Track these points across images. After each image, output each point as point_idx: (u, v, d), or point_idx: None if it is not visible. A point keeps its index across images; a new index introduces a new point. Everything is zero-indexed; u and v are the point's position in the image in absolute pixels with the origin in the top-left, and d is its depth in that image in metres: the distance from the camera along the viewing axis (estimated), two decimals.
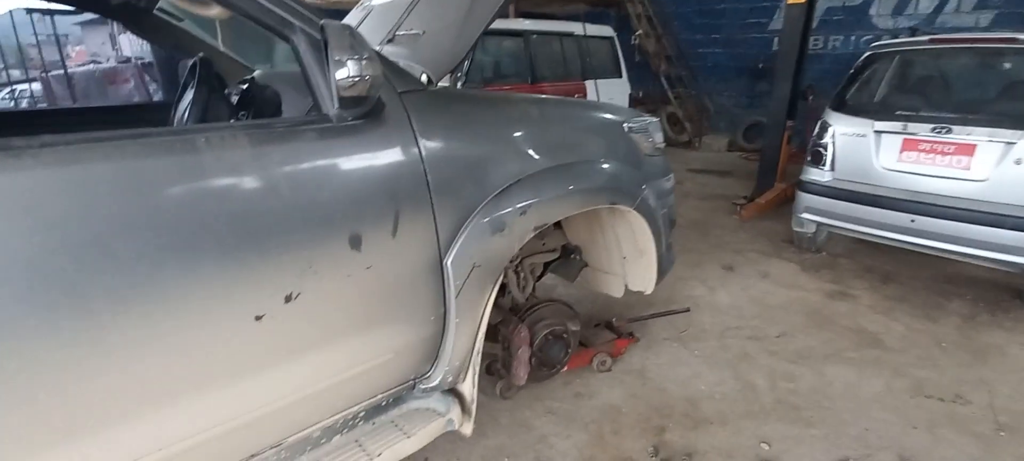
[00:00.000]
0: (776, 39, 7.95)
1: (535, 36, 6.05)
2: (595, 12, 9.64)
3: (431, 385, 1.60)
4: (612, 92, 6.84)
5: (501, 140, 1.62)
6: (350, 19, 2.44)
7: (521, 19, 6.44)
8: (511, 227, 1.58)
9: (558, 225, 2.41)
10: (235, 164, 1.14)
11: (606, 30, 7.09)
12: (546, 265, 2.59)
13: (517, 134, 1.67)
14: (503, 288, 2.16)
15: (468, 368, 1.63)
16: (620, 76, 7.13)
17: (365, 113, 1.33)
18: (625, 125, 2.06)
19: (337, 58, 1.12)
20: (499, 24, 5.81)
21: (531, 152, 1.67)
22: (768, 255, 4.18)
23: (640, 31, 8.98)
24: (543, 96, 2.17)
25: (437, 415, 1.59)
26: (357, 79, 1.14)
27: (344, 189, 1.30)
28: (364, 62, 1.14)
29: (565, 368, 2.53)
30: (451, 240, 1.49)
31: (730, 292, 3.53)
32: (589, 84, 6.44)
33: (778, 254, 4.20)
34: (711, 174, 7.11)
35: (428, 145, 1.43)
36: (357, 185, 1.32)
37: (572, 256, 2.56)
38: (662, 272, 2.29)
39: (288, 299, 1.23)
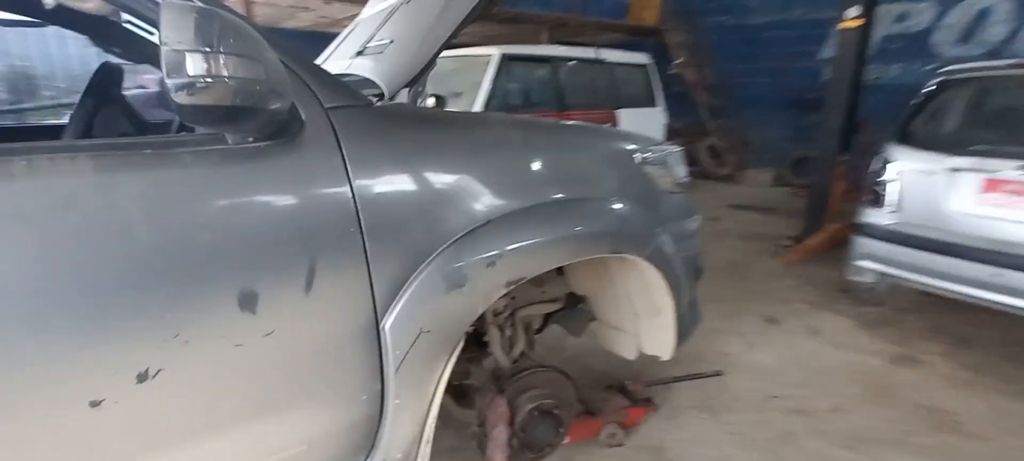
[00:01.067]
0: (826, 68, 7.41)
1: (564, 63, 5.77)
2: (633, 41, 9.34)
3: None
4: (646, 122, 6.46)
5: (466, 171, 1.29)
6: (341, 37, 2.20)
7: (552, 46, 6.18)
8: (474, 282, 1.23)
9: (561, 270, 2.05)
10: (65, 196, 0.85)
11: (641, 57, 6.75)
12: (547, 317, 2.21)
13: (489, 164, 1.34)
14: (483, 345, 1.79)
15: (411, 455, 1.27)
16: (654, 105, 6.74)
17: (271, 133, 1.02)
18: (638, 155, 1.70)
19: (172, 49, 0.81)
20: (528, 50, 5.57)
21: (507, 187, 1.34)
22: (818, 307, 3.65)
23: (680, 60, 8.60)
24: (529, 117, 1.81)
25: None
26: (203, 81, 0.83)
27: (233, 232, 0.98)
28: (218, 58, 0.83)
29: (566, 441, 2.12)
30: (392, 298, 1.16)
31: (772, 350, 3.03)
32: (621, 113, 6.08)
33: (830, 306, 3.66)
34: (753, 210, 6.57)
35: (363, 175, 1.11)
36: (253, 227, 1.00)
37: (579, 306, 2.18)
38: (683, 334, 1.87)
39: (142, 378, 0.91)
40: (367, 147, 1.14)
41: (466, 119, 1.45)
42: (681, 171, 1.88)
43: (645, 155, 1.71)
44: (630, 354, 2.04)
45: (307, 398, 1.11)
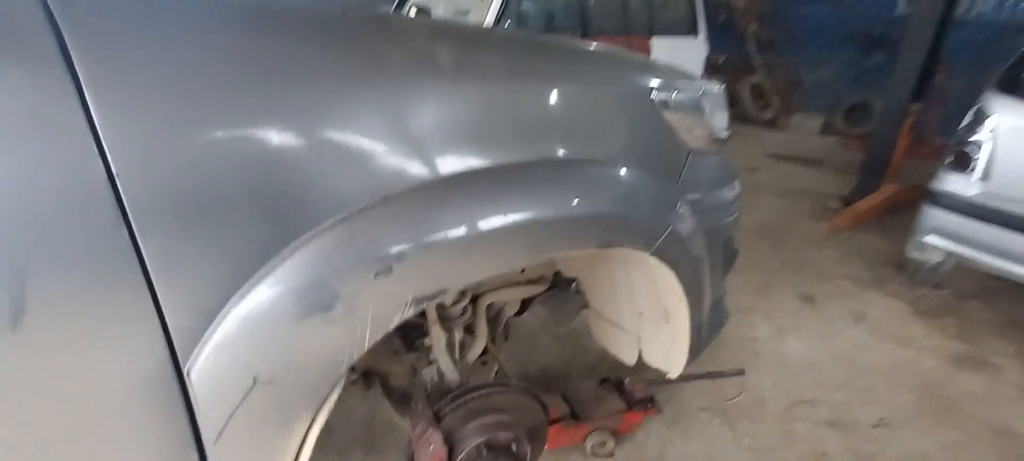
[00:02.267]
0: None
1: None
2: None
3: None
4: (683, 54, 5.70)
5: (337, 109, 0.78)
6: None
7: None
8: (351, 302, 0.78)
9: None
10: None
11: None
12: (525, 302, 1.77)
13: (383, 97, 0.83)
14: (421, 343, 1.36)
15: None
16: (695, 35, 5.94)
17: None
18: (658, 96, 1.17)
19: None
20: None
21: (417, 138, 0.84)
22: (865, 285, 3.12)
23: None
24: (470, 26, 1.22)
25: None
26: None
27: None
28: None
29: (544, 448, 1.74)
30: (201, 331, 0.72)
31: (806, 339, 2.55)
32: (654, 43, 5.34)
33: (880, 285, 3.12)
34: (797, 163, 5.86)
35: (121, 113, 0.64)
36: None
37: (569, 288, 1.73)
38: (698, 347, 1.41)
39: None
40: (131, 58, 0.66)
41: (342, 18, 0.88)
42: (721, 121, 1.34)
43: (669, 96, 1.18)
44: (628, 358, 1.60)
45: None
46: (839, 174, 5.25)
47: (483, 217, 0.87)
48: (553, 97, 1.00)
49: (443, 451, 1.13)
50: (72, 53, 0.61)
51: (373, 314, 0.81)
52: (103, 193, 0.62)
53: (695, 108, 1.22)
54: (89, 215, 0.62)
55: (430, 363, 1.33)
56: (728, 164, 1.44)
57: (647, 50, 5.27)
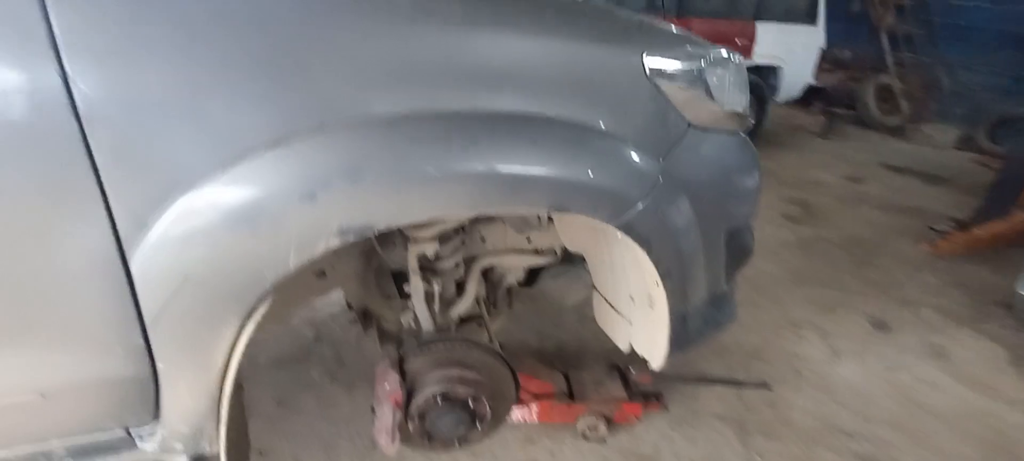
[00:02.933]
0: None
1: None
2: None
3: (150, 450, 0.98)
4: (795, 43, 5.21)
5: (275, 30, 0.82)
6: None
7: None
8: (274, 221, 0.84)
9: (551, 217, 1.56)
10: None
11: None
12: (534, 274, 1.76)
13: (337, 29, 0.86)
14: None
15: (207, 436, 0.97)
16: (814, 23, 5.37)
17: None
18: (648, 59, 1.09)
19: None
20: None
21: (364, 75, 0.87)
22: (959, 321, 2.71)
23: None
24: None
25: None
26: None
27: None
28: None
29: (536, 420, 1.74)
30: (142, 226, 0.81)
31: (865, 367, 2.29)
32: (761, 28, 4.92)
33: (977, 323, 2.70)
34: (915, 177, 5.17)
35: (76, 16, 0.73)
36: None
37: (582, 265, 1.70)
38: (681, 341, 1.32)
39: None
40: None
41: None
42: (737, 98, 1.22)
43: (662, 64, 1.10)
44: (622, 343, 1.54)
45: (26, 338, 0.84)
46: (962, 195, 4.56)
47: (417, 160, 0.89)
48: (517, 46, 0.97)
49: (399, 392, 1.18)
50: None
51: (297, 237, 0.86)
52: (57, 90, 0.72)
53: (698, 79, 1.12)
54: (44, 112, 0.72)
55: (407, 310, 1.38)
56: (750, 149, 1.30)
57: (751, 37, 4.87)
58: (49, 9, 0.71)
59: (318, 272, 1.42)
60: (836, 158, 5.51)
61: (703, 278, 1.25)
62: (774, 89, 5.28)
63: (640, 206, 1.06)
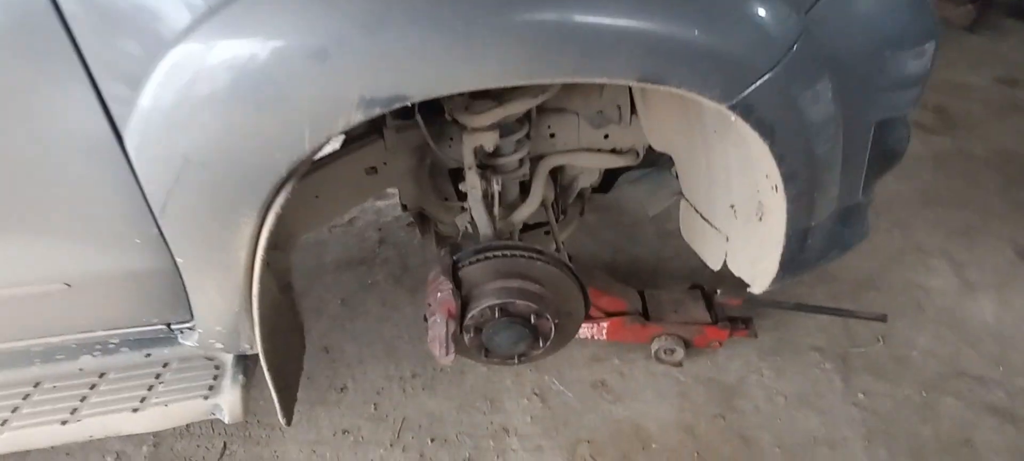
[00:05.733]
0: None
1: None
2: None
3: (192, 345, 0.93)
4: None
5: None
6: None
7: None
8: (281, 87, 0.68)
9: (633, 110, 1.32)
10: None
11: None
12: (611, 177, 1.54)
13: None
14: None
15: (245, 337, 0.90)
16: None
17: None
18: None
19: None
20: None
21: None
22: None
23: None
24: None
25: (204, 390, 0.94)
26: None
27: None
28: None
29: (605, 338, 1.60)
30: (130, 92, 0.69)
31: (1003, 303, 1.91)
32: None
33: None
34: None
35: None
36: None
37: (667, 170, 1.47)
38: (798, 263, 1.07)
39: None
40: None
41: None
42: None
43: None
44: (713, 262, 1.32)
45: (38, 226, 0.77)
46: None
47: (452, 8, 0.68)
48: None
49: (452, 302, 1.06)
50: None
51: (310, 109, 0.70)
52: None
53: None
54: None
55: (463, 211, 1.23)
56: (925, 8, 0.96)
57: None
58: None
59: (368, 168, 1.30)
60: (986, 56, 4.54)
61: (837, 184, 0.98)
62: None
63: (766, 79, 0.79)
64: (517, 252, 1.12)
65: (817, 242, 1.04)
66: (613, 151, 1.39)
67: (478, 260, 1.12)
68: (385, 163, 1.31)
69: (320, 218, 1.35)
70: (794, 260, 1.04)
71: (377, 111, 0.71)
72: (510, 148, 1.23)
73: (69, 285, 0.83)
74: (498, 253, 1.11)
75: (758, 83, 0.79)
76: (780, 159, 0.87)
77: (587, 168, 1.44)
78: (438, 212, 1.40)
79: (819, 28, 0.82)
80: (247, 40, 0.66)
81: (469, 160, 1.15)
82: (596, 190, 1.59)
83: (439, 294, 1.07)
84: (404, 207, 1.45)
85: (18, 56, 0.66)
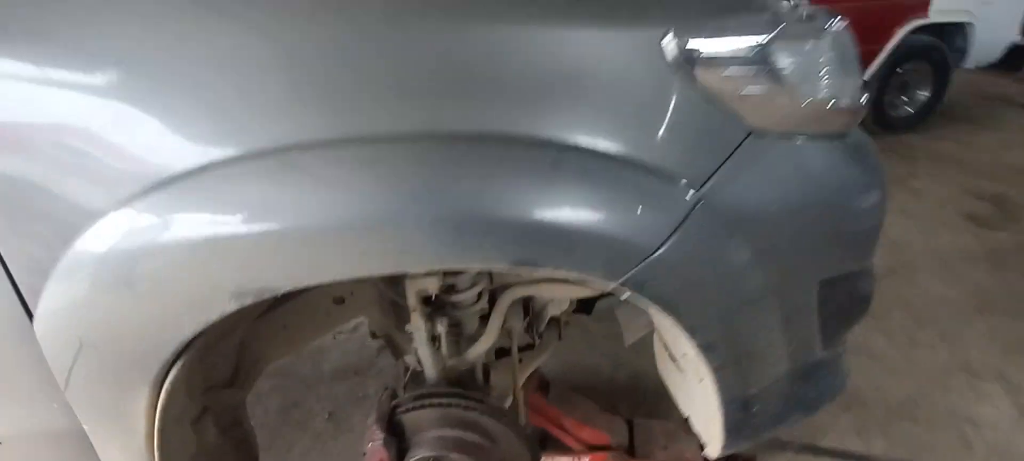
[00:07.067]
0: None
1: None
2: None
3: None
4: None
5: (146, 52, 0.68)
6: None
7: None
8: (155, 281, 0.71)
9: None
10: None
11: None
12: (589, 304, 1.49)
13: (205, 40, 0.68)
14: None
15: None
16: None
17: None
18: (671, 41, 0.74)
19: None
20: None
21: (251, 97, 0.68)
22: None
23: None
24: None
25: None
26: None
27: None
28: None
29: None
30: (39, 288, 0.73)
31: None
32: None
33: None
34: None
35: None
36: None
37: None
38: (744, 430, 0.95)
39: None
40: None
41: None
42: (838, 84, 0.82)
43: (702, 46, 0.75)
44: (683, 406, 1.21)
45: None
46: None
47: (317, 206, 0.69)
48: (465, 41, 0.70)
49: (383, 453, 1.01)
50: None
51: (188, 300, 0.73)
52: None
53: (760, 62, 0.76)
54: None
55: (412, 351, 1.20)
56: (864, 159, 0.89)
57: None
58: None
59: (336, 298, 1.31)
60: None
61: (778, 348, 0.89)
62: (961, 53, 4.18)
63: (655, 256, 0.75)
64: (455, 400, 1.07)
65: (769, 407, 0.93)
66: (581, 281, 1.33)
67: (416, 407, 1.07)
68: (352, 293, 1.32)
69: (288, 347, 1.36)
70: (741, 427, 0.94)
71: (249, 301, 0.73)
72: (465, 284, 1.20)
73: (1, 441, 0.87)
74: (436, 401, 1.07)
75: (645, 263, 0.74)
76: (691, 331, 0.81)
77: (556, 297, 1.39)
78: (403, 342, 1.38)
79: (725, 192, 0.77)
80: (124, 240, 0.69)
81: (412, 302, 1.14)
82: (578, 311, 1.53)
83: (371, 444, 1.03)
84: (373, 334, 1.44)
85: None
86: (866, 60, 3.97)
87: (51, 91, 0.67)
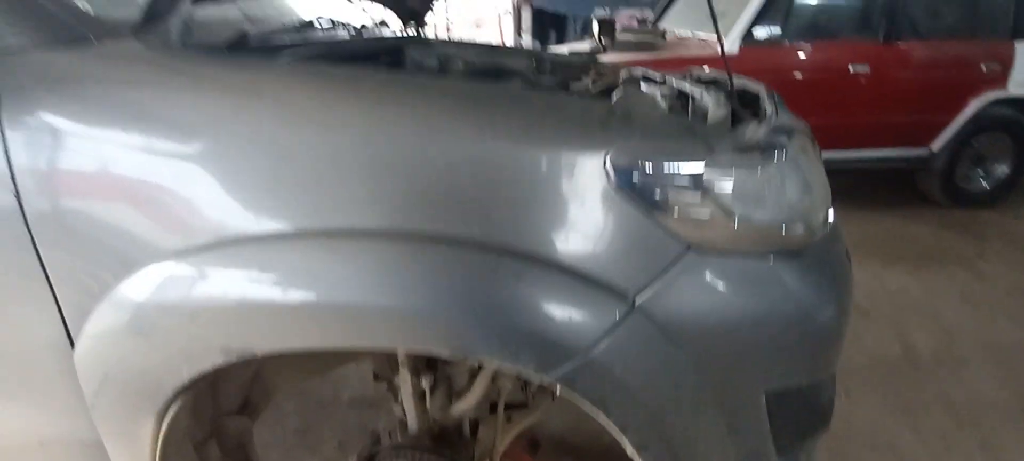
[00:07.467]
0: None
1: None
2: None
3: None
4: None
5: (178, 150, 0.84)
6: None
7: None
8: (160, 332, 0.87)
9: None
10: None
11: None
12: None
13: (226, 144, 0.84)
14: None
15: None
16: None
17: None
18: (607, 160, 0.81)
19: None
20: None
21: (252, 188, 0.84)
22: None
23: None
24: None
25: None
26: None
27: None
28: None
29: None
30: (81, 322, 0.91)
31: None
32: (1022, 49, 3.67)
33: None
34: None
35: (25, 144, 0.83)
36: None
37: None
38: None
39: None
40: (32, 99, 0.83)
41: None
42: (794, 205, 0.85)
43: (644, 167, 0.83)
44: None
45: (24, 398, 1.00)
46: None
47: (303, 284, 0.82)
48: (427, 156, 0.82)
49: None
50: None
51: (181, 349, 0.87)
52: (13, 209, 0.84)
53: (701, 186, 0.82)
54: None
55: (397, 402, 1.29)
56: (821, 275, 0.90)
57: (1006, 60, 3.67)
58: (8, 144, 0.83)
59: None
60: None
61: (725, 454, 0.90)
62: None
63: (585, 357, 0.81)
64: (426, 457, 1.15)
65: None
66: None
67: (390, 456, 1.17)
68: None
69: (296, 381, 1.50)
70: None
71: (235, 358, 0.87)
72: None
73: (41, 444, 1.06)
74: (409, 454, 1.16)
75: (573, 362, 0.80)
76: (623, 429, 0.85)
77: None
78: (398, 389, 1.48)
79: (661, 303, 0.82)
80: (147, 295, 0.85)
81: (400, 356, 1.24)
82: None
83: None
84: (375, 376, 1.55)
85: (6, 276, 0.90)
86: (933, 131, 3.78)
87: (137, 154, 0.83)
